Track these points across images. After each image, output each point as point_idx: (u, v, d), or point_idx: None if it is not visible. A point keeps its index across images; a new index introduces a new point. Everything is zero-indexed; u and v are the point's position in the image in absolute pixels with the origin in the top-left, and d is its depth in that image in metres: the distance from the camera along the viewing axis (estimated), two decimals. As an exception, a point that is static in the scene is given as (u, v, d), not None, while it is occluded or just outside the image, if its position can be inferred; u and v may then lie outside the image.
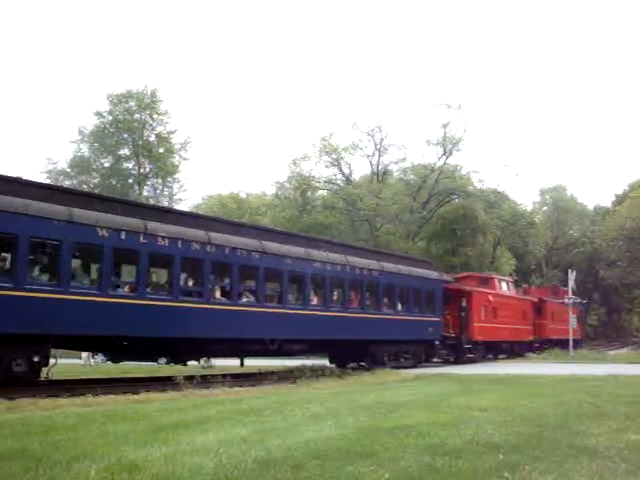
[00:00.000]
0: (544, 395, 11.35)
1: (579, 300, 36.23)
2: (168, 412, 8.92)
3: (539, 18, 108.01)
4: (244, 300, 16.21)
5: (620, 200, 57.33)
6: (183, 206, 45.26)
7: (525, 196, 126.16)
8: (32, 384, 12.05)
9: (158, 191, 38.97)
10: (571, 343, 33.82)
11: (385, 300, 21.12)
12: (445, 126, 42.89)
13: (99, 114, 36.06)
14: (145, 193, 38.06)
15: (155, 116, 36.87)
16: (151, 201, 37.82)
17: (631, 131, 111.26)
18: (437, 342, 23.44)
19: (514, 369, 20.60)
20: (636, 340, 58.80)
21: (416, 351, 22.43)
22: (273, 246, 16.69)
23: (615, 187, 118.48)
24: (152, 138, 36.93)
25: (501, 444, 6.21)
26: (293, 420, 8.08)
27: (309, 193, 46.03)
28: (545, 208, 65.23)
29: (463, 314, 25.30)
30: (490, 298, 27.39)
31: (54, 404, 10.10)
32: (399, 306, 21.79)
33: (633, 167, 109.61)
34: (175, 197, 40.72)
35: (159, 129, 37.21)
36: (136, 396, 11.44)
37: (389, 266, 21.06)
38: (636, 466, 5.32)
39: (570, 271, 36.12)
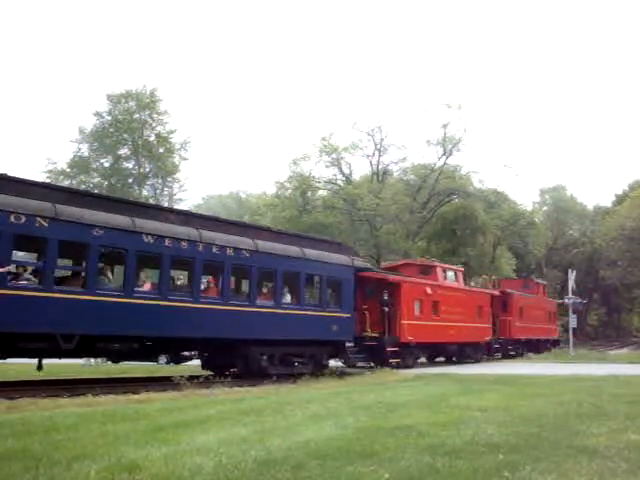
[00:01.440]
0: (544, 395, 11.35)
1: (579, 300, 35.99)
2: (168, 412, 8.92)
3: (539, 18, 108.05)
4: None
5: (620, 200, 57.40)
6: (183, 206, 45.29)
7: (525, 196, 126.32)
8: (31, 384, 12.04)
9: (158, 191, 38.97)
10: (571, 342, 33.80)
11: (264, 289, 17.09)
12: (445, 126, 42.91)
13: (99, 114, 36.10)
14: (145, 193, 38.06)
15: (155, 116, 36.89)
16: (151, 201, 37.84)
17: (631, 131, 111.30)
18: (349, 344, 19.03)
19: (514, 369, 20.61)
20: (636, 340, 58.82)
21: (315, 354, 17.88)
22: (73, 211, 12.28)
23: (615, 187, 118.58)
24: (152, 138, 36.93)
25: (501, 444, 6.21)
26: (293, 420, 8.09)
27: (309, 193, 46.02)
28: (545, 208, 65.23)
29: (386, 309, 20.19)
30: (428, 290, 22.44)
31: (54, 404, 10.09)
32: (286, 297, 17.27)
33: (633, 167, 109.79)
34: (175, 197, 40.75)
35: (159, 129, 37.24)
36: (136, 396, 11.44)
37: (268, 245, 16.33)
38: (636, 466, 5.32)
39: (570, 271, 36.10)
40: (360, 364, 20.47)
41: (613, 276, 53.34)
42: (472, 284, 28.29)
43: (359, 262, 20.11)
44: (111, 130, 36.09)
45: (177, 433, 6.94)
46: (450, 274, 24.96)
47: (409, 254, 41.25)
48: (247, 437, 6.64)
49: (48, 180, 36.68)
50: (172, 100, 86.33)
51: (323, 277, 18.06)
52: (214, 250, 14.89)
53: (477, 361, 25.65)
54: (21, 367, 17.40)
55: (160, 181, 38.60)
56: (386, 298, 20.32)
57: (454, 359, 25.21)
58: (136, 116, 36.30)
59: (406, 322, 20.98)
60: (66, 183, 36.57)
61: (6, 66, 77.99)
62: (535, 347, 33.12)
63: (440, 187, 42.83)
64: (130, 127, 35.82)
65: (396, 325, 20.72)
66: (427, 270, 24.03)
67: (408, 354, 21.42)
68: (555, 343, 37.24)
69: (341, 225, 42.92)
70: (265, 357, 16.34)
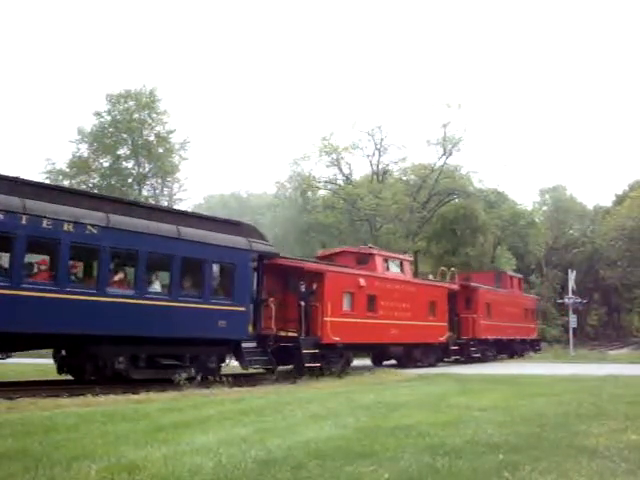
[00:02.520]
0: (544, 395, 11.35)
1: (579, 300, 35.88)
2: (168, 412, 8.92)
3: (539, 18, 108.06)
4: None
5: (620, 200, 57.40)
6: (183, 206, 45.24)
7: (525, 196, 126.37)
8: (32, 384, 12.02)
9: (158, 191, 38.94)
10: (571, 343, 33.78)
11: (119, 275, 13.84)
12: (445, 126, 42.82)
13: (98, 114, 36.06)
14: (145, 193, 38.03)
15: (154, 116, 36.86)
16: (151, 201, 37.84)
17: (631, 131, 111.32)
18: (249, 343, 15.97)
19: (514, 369, 20.62)
20: (636, 340, 58.83)
21: (200, 356, 14.98)
22: None
23: (615, 187, 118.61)
24: (151, 138, 36.91)
25: (501, 444, 6.21)
26: (293, 420, 8.09)
27: (309, 193, 46.02)
28: (545, 208, 65.23)
29: (303, 304, 17.16)
30: (362, 282, 18.95)
31: (54, 404, 10.09)
32: (155, 285, 14.44)
33: (633, 167, 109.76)
34: (175, 197, 40.73)
35: (158, 129, 37.21)
36: (136, 396, 11.43)
37: (125, 221, 13.36)
38: (636, 466, 5.33)
39: (570, 271, 36.10)
40: (284, 369, 17.52)
41: (613, 276, 53.34)
42: (430, 277, 25.89)
43: (262, 246, 16.50)
44: (110, 130, 36.07)
45: (177, 433, 6.94)
46: (394, 264, 21.53)
47: (409, 254, 41.26)
48: (247, 437, 6.64)
49: (48, 181, 36.71)
50: (172, 100, 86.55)
51: (207, 262, 14.79)
52: (45, 224, 11.91)
53: (431, 365, 22.09)
54: (21, 367, 17.42)
55: (160, 181, 38.56)
56: (303, 290, 17.32)
57: (409, 363, 21.61)
58: (135, 116, 36.27)
59: (330, 319, 17.57)
60: (66, 183, 36.55)
61: (6, 66, 78.01)
62: (508, 348, 29.92)
63: (440, 187, 42.80)
64: (129, 127, 35.80)
65: (317, 323, 17.40)
66: (364, 259, 20.50)
67: (335, 357, 18.02)
68: (534, 344, 33.34)
69: (341, 225, 42.91)
70: (123, 358, 13.47)
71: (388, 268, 21.05)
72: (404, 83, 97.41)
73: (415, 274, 24.05)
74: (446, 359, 24.33)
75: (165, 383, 13.59)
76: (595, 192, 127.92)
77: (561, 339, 49.29)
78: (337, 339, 17.85)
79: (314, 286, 17.61)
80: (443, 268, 26.81)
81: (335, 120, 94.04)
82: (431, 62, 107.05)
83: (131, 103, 36.34)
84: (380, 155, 45.03)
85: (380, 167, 45.72)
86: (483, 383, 14.58)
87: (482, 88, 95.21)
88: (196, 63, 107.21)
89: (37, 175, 37.60)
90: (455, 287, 24.89)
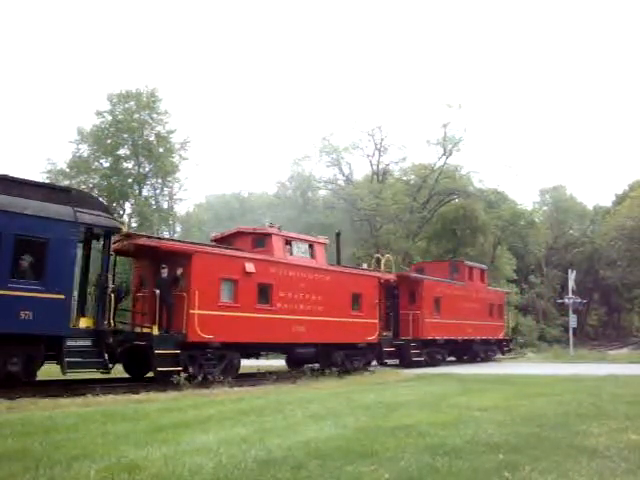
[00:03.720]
0: (544, 395, 11.35)
1: (579, 300, 35.86)
2: (168, 412, 8.93)
3: (539, 18, 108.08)
4: None
5: (620, 200, 57.40)
6: (184, 206, 45.25)
7: (525, 196, 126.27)
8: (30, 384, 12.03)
9: (158, 191, 38.96)
10: (571, 342, 33.78)
11: None
12: (445, 126, 42.83)
13: (100, 113, 36.06)
14: (145, 193, 38.04)
15: (154, 116, 36.86)
16: (151, 201, 37.82)
17: (631, 131, 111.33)
18: (74, 341, 12.30)
19: (514, 369, 20.63)
20: (636, 340, 58.84)
21: None
22: None
23: (615, 187, 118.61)
24: (152, 138, 36.91)
25: (501, 444, 6.22)
26: (293, 420, 8.09)
27: (310, 193, 46.07)
28: (545, 208, 65.20)
29: (158, 292, 13.94)
30: (249, 268, 15.45)
31: (54, 404, 10.11)
32: None
33: (633, 167, 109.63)
34: (175, 197, 40.75)
35: (159, 129, 37.21)
36: (136, 396, 11.45)
37: None
38: (636, 466, 5.33)
39: (570, 271, 36.12)
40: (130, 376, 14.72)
41: (613, 276, 53.33)
42: (365, 266, 21.64)
43: (94, 217, 12.85)
44: (111, 130, 36.07)
45: (177, 433, 6.94)
46: (300, 247, 17.49)
47: (409, 254, 41.29)
48: (247, 437, 6.64)
49: (48, 181, 36.71)
50: (173, 100, 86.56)
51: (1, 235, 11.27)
52: None
53: (356, 370, 18.53)
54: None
55: (160, 181, 38.57)
56: (164, 276, 14.23)
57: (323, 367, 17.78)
58: (136, 116, 36.27)
59: (198, 312, 14.14)
60: (66, 183, 36.54)
61: (7, 66, 78.05)
62: (467, 350, 26.23)
63: (440, 187, 42.81)
64: (130, 127, 35.80)
65: (181, 317, 14.08)
66: (261, 240, 16.82)
67: (212, 360, 14.63)
68: (502, 344, 28.89)
69: (341, 225, 42.95)
70: None
71: (292, 252, 17.11)
72: (404, 83, 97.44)
73: (338, 261, 19.73)
74: (379, 363, 20.73)
75: (165, 383, 13.60)
76: (595, 192, 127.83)
77: (561, 339, 49.31)
78: (210, 337, 14.31)
79: (179, 271, 14.25)
80: (378, 255, 22.44)
81: (335, 120, 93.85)
82: (431, 62, 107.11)
83: (132, 103, 36.31)
84: (380, 155, 45.09)
85: (380, 167, 45.76)
86: (483, 383, 14.59)
87: (482, 88, 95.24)
88: (197, 63, 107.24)
89: (37, 175, 37.61)
90: (390, 277, 20.66)
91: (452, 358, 26.12)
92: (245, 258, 15.77)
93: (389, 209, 40.25)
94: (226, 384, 13.69)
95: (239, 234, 17.46)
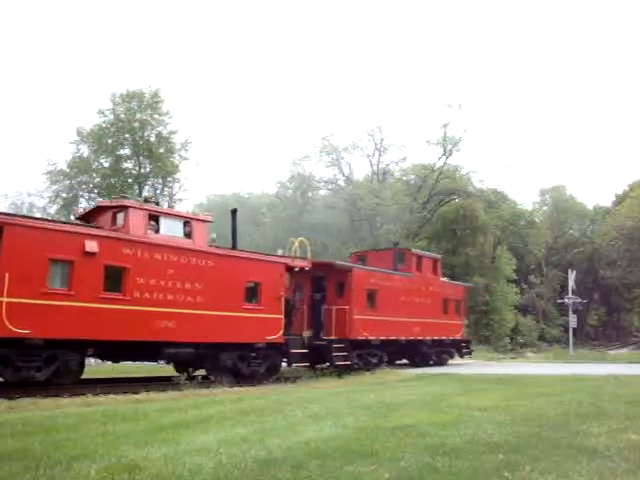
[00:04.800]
0: (544, 395, 11.36)
1: (579, 300, 35.88)
2: (168, 412, 8.93)
3: (539, 18, 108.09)
4: None
5: (620, 200, 57.39)
6: (184, 206, 45.18)
7: (525, 196, 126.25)
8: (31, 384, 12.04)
9: (158, 191, 38.95)
10: (571, 343, 33.82)
11: None
12: (445, 126, 42.91)
13: (101, 112, 36.09)
14: (145, 193, 38.02)
15: (156, 116, 36.88)
16: (151, 201, 37.80)
17: (631, 131, 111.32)
18: None
19: (514, 369, 20.63)
20: (636, 340, 58.87)
21: None
22: None
23: (615, 187, 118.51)
24: (153, 138, 36.93)
25: (501, 444, 6.22)
26: (293, 420, 8.09)
27: (310, 193, 46.13)
28: (545, 208, 65.24)
29: None
30: (89, 247, 12.62)
31: (54, 404, 10.11)
32: None
33: (633, 167, 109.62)
34: (175, 197, 40.76)
35: (160, 129, 37.22)
36: (136, 396, 11.45)
37: None
38: (636, 466, 5.33)
39: (570, 271, 36.16)
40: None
41: (613, 276, 53.37)
42: (280, 252, 18.36)
43: None
44: (112, 130, 36.09)
45: (177, 433, 6.94)
46: (170, 225, 14.43)
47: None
48: (247, 437, 6.64)
49: (48, 181, 36.71)
50: (173, 100, 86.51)
51: None
52: None
53: (254, 376, 15.50)
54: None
55: (160, 181, 38.58)
56: None
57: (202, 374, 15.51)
58: (138, 116, 36.30)
59: (9, 300, 11.32)
60: (66, 183, 36.57)
61: (8, 66, 78.06)
62: (415, 352, 22.40)
63: (440, 187, 42.85)
64: (131, 127, 35.82)
65: None
66: (117, 215, 13.98)
67: (35, 358, 11.90)
68: (460, 345, 24.84)
69: (341, 225, 42.98)
70: None
71: (158, 230, 14.12)
72: (404, 83, 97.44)
73: (234, 244, 16.45)
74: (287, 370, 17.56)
75: (165, 383, 13.63)
76: (595, 192, 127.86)
77: (561, 339, 49.33)
78: (26, 332, 11.47)
79: None
80: (292, 238, 18.83)
81: (335, 120, 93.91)
82: (432, 62, 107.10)
83: (134, 103, 36.33)
84: (380, 155, 45.18)
85: (380, 167, 45.83)
86: (483, 383, 14.59)
87: (482, 89, 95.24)
88: (197, 64, 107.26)
89: (38, 175, 37.60)
90: (303, 265, 17.27)
91: (405, 361, 22.95)
92: (85, 235, 12.69)
93: (389, 209, 40.29)
94: (226, 384, 13.71)
95: (99, 209, 14.64)
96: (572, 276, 35.14)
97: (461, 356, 25.06)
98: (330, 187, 46.55)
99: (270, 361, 16.24)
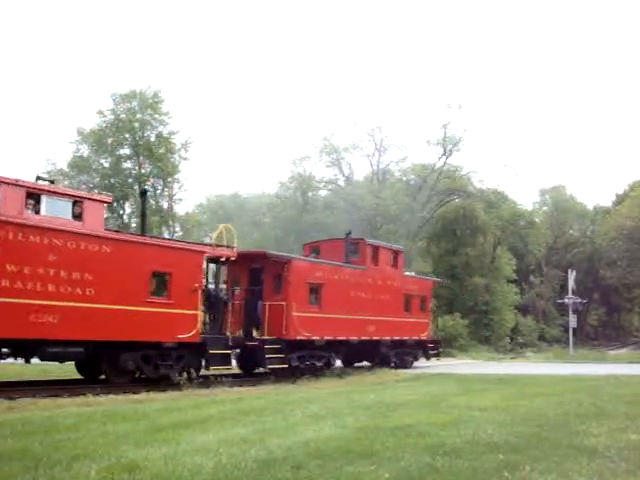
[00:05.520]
0: (544, 395, 11.36)
1: (579, 300, 35.88)
2: (168, 412, 8.93)
3: (539, 18, 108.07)
4: None
5: (620, 200, 57.36)
6: (184, 206, 45.17)
7: (525, 196, 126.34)
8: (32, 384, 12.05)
9: (158, 191, 38.95)
10: (571, 343, 33.81)
11: None
12: (445, 126, 42.91)
13: (101, 112, 36.11)
14: (145, 193, 38.05)
15: (156, 116, 36.88)
16: (151, 201, 37.80)
17: (631, 131, 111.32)
18: None
19: (514, 369, 20.63)
20: (636, 340, 58.92)
21: None
22: None
23: (615, 187, 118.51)
24: (153, 138, 36.93)
25: (501, 444, 6.22)
26: (293, 420, 8.09)
27: (310, 193, 46.16)
28: (545, 208, 65.24)
29: None
30: None
31: (54, 404, 10.12)
32: None
33: (633, 167, 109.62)
34: (175, 197, 40.77)
35: (160, 129, 37.23)
36: (136, 396, 11.46)
37: None
38: (636, 466, 5.33)
39: (570, 271, 36.15)
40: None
41: (613, 276, 53.34)
42: (209, 239, 16.60)
43: None
44: (112, 130, 36.10)
45: (177, 433, 6.95)
46: (55, 204, 12.28)
47: (409, 254, 41.30)
48: (247, 437, 6.64)
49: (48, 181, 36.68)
50: (173, 100, 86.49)
51: None
52: None
53: (168, 379, 13.70)
54: (21, 367, 17.40)
55: (161, 181, 38.58)
56: None
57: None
58: (138, 116, 36.30)
59: None
60: (66, 183, 36.56)
61: (8, 66, 78.06)
62: (371, 354, 20.34)
63: (440, 187, 42.86)
64: (132, 127, 35.83)
65: None
66: None
67: None
68: (426, 346, 22.38)
69: (341, 225, 42.99)
70: None
71: (39, 210, 12.05)
72: (405, 83, 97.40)
73: (143, 228, 15.39)
74: (198, 376, 14.58)
75: (165, 383, 13.63)
76: (595, 192, 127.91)
77: (561, 339, 49.31)
78: None
79: None
80: (220, 224, 17.60)
81: (335, 120, 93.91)
82: (432, 63, 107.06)
83: (134, 103, 36.34)
84: (380, 155, 45.19)
85: (380, 167, 45.86)
86: (483, 383, 14.59)
87: (482, 89, 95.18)
88: (198, 64, 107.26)
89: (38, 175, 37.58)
90: (228, 254, 15.47)
91: (364, 364, 20.80)
92: None
93: (389, 209, 40.30)
94: (226, 384, 13.71)
95: None
96: (572, 276, 35.13)
97: (427, 358, 22.62)
98: (330, 187, 46.58)
99: (185, 363, 14.29)
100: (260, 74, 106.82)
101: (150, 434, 6.83)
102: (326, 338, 17.55)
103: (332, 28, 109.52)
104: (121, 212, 37.52)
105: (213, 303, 15.43)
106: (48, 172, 36.48)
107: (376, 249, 20.55)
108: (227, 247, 15.75)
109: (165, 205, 39.40)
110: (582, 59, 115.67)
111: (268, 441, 6.34)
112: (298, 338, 16.61)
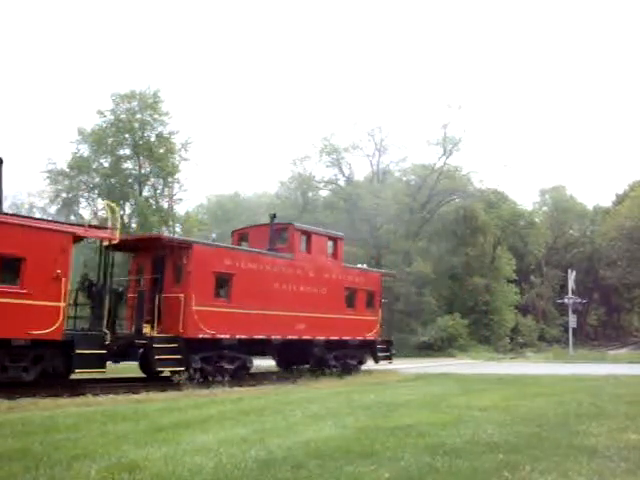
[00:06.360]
0: (544, 395, 11.37)
1: (579, 300, 35.90)
2: (168, 412, 8.93)
3: (539, 18, 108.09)
4: None
5: (620, 200, 57.38)
6: (184, 206, 45.14)
7: (525, 196, 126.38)
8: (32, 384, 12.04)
9: (158, 191, 38.96)
10: (571, 343, 33.82)
11: None
12: (445, 126, 42.90)
13: (101, 112, 36.10)
14: (145, 193, 38.03)
15: (156, 116, 36.88)
16: (151, 201, 37.82)
17: (631, 131, 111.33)
18: None
19: (514, 369, 20.63)
20: (636, 340, 58.93)
21: None
22: None
23: (615, 187, 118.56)
24: (153, 138, 36.93)
25: (501, 444, 6.22)
26: (293, 420, 8.09)
27: (310, 193, 46.14)
28: (545, 208, 65.25)
29: None
30: None
31: (55, 404, 10.12)
32: None
33: (633, 167, 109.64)
34: (175, 197, 40.76)
35: (160, 129, 37.23)
36: (136, 396, 11.46)
37: None
38: (635, 465, 5.33)
39: (570, 271, 36.18)
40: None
41: (613, 276, 53.35)
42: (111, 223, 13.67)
43: None
44: (112, 130, 36.10)
45: (177, 433, 6.95)
46: None
47: (410, 254, 41.30)
48: (247, 437, 6.65)
49: (48, 180, 36.69)
50: (173, 101, 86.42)
51: None
52: None
53: (19, 379, 11.86)
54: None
55: (161, 181, 38.58)
56: None
57: None
58: (138, 116, 36.31)
59: None
60: (66, 183, 36.56)
61: (9, 66, 78.07)
62: (303, 356, 17.99)
63: (440, 187, 42.84)
64: (132, 127, 35.83)
65: None
66: None
67: None
68: (373, 347, 19.54)
69: (341, 225, 42.99)
70: None
71: None
72: (405, 83, 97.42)
73: None
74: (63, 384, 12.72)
75: (165, 383, 13.63)
76: (595, 192, 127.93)
77: (561, 339, 49.31)
78: None
79: None
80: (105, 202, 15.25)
81: (335, 120, 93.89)
82: (432, 63, 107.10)
83: (134, 103, 36.34)
84: (380, 155, 45.14)
85: (380, 167, 45.82)
86: (483, 383, 14.60)
87: (482, 89, 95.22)
88: (198, 64, 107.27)
89: (38, 175, 37.65)
90: (104, 236, 13.37)
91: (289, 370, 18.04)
92: None
93: (389, 209, 40.29)
94: (226, 384, 13.71)
95: None
96: (572, 276, 35.17)
97: (376, 361, 19.72)
98: (330, 187, 46.56)
99: (46, 365, 12.27)
100: (260, 74, 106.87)
101: (150, 434, 6.84)
102: (239, 337, 15.11)
103: (332, 28, 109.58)
104: (121, 212, 37.52)
105: (95, 295, 13.28)
106: (49, 171, 36.55)
107: (308, 236, 17.86)
108: (105, 229, 13.33)
109: (165, 205, 39.38)
110: (582, 59, 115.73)
111: (268, 441, 6.34)
112: (200, 336, 14.24)
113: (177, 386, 13.03)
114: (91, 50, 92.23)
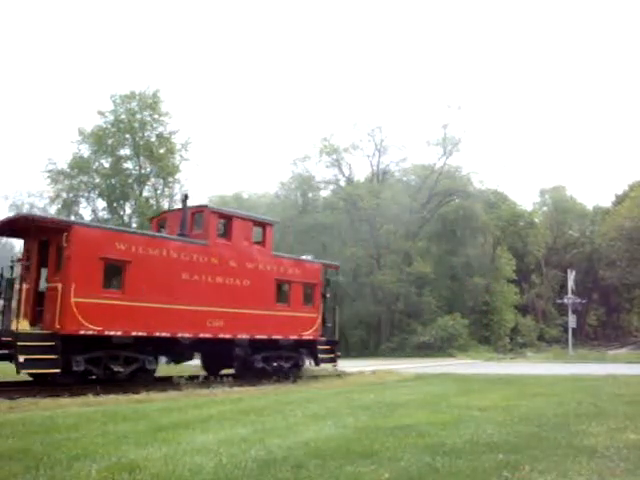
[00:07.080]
0: (544, 395, 11.37)
1: (578, 300, 35.90)
2: (168, 412, 8.94)
3: (539, 18, 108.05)
4: None
5: (620, 200, 57.38)
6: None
7: (525, 196, 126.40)
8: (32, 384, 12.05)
9: (159, 191, 38.95)
10: (570, 343, 33.83)
11: None
12: (445, 127, 42.93)
13: (101, 113, 36.10)
14: (145, 193, 38.04)
15: (156, 116, 36.89)
16: (151, 201, 37.81)
17: (631, 131, 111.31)
18: None
19: (514, 369, 20.64)
20: (636, 340, 58.93)
21: None
22: None
23: (615, 187, 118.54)
24: (153, 138, 36.93)
25: (501, 444, 6.23)
26: (293, 420, 8.10)
27: (310, 194, 46.14)
28: (545, 208, 65.24)
29: None
30: None
31: (55, 404, 10.12)
32: None
33: (633, 167, 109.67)
34: (175, 197, 40.72)
35: (160, 129, 37.23)
36: (136, 396, 11.46)
37: None
38: (635, 465, 5.34)
39: (569, 271, 36.20)
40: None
41: (612, 276, 53.35)
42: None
43: None
44: (112, 130, 36.10)
45: (177, 433, 6.95)
46: None
47: (410, 254, 41.31)
48: (247, 437, 6.65)
49: (48, 180, 36.67)
50: (173, 101, 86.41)
51: None
52: None
53: None
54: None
55: (161, 181, 38.57)
56: None
57: None
58: (138, 116, 36.31)
59: None
60: (66, 183, 36.55)
61: (10, 66, 78.05)
62: (223, 357, 16.16)
63: (440, 187, 42.86)
64: (132, 127, 35.82)
65: None
66: None
67: None
68: (316, 349, 17.60)
69: (341, 225, 42.97)
70: None
71: None
72: (405, 84, 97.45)
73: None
74: None
75: (165, 383, 13.64)
76: (595, 192, 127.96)
77: (560, 339, 49.34)
78: None
79: None
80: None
81: (335, 120, 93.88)
82: (432, 64, 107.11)
83: (134, 104, 36.35)
84: (380, 155, 45.12)
85: (380, 167, 45.80)
86: (483, 383, 14.60)
87: (482, 89, 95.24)
88: (198, 64, 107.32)
89: (38, 175, 37.65)
90: None
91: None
92: None
93: (389, 209, 40.32)
94: (226, 384, 13.72)
95: None
96: (571, 276, 35.19)
97: (317, 363, 17.78)
98: (330, 187, 46.57)
99: None
100: (260, 74, 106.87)
101: (150, 434, 6.84)
102: (135, 334, 13.26)
103: (333, 29, 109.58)
104: (121, 213, 37.52)
105: None
106: (49, 171, 36.54)
107: (228, 219, 15.78)
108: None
109: (166, 205, 39.37)
110: (582, 60, 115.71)
111: (268, 441, 6.35)
112: (82, 333, 12.28)
113: (177, 386, 13.05)
114: (91, 51, 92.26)
